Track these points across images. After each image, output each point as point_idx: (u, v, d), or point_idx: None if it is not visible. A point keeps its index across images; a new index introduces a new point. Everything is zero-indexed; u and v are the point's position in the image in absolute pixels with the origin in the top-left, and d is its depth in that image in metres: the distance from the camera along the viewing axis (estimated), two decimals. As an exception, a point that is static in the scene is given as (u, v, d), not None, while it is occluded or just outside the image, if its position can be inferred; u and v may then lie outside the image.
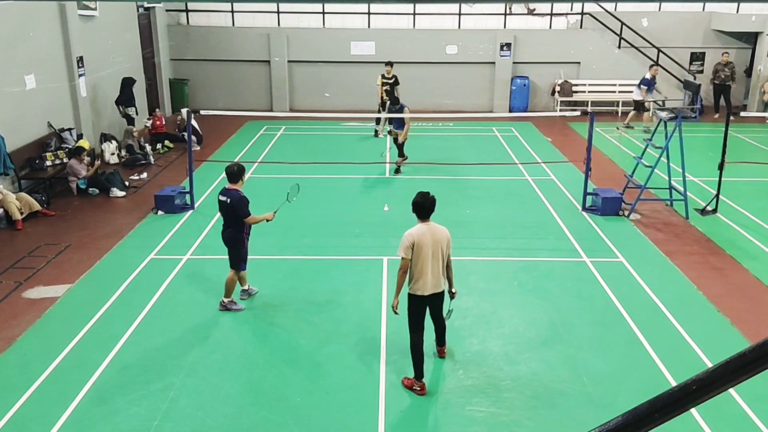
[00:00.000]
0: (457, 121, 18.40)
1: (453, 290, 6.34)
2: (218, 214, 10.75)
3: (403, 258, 5.95)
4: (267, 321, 7.48)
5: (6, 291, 8.11)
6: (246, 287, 7.95)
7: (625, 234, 10.05)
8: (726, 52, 19.21)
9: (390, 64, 16.30)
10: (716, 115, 18.48)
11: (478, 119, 18.15)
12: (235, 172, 7.46)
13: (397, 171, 13.25)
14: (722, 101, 18.75)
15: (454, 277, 6.30)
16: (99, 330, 7.17)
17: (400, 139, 13.18)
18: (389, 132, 13.93)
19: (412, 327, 6.13)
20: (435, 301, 6.16)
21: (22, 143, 11.68)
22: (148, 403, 5.89)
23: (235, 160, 14.01)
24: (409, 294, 6.05)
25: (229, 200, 7.36)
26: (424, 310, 6.13)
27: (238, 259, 7.57)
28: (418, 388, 6.10)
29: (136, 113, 15.00)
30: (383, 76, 16.26)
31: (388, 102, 14.96)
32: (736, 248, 9.49)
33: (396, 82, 16.22)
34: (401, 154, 13.29)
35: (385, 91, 16.02)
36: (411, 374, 6.19)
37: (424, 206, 6.02)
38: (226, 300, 7.64)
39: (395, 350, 6.81)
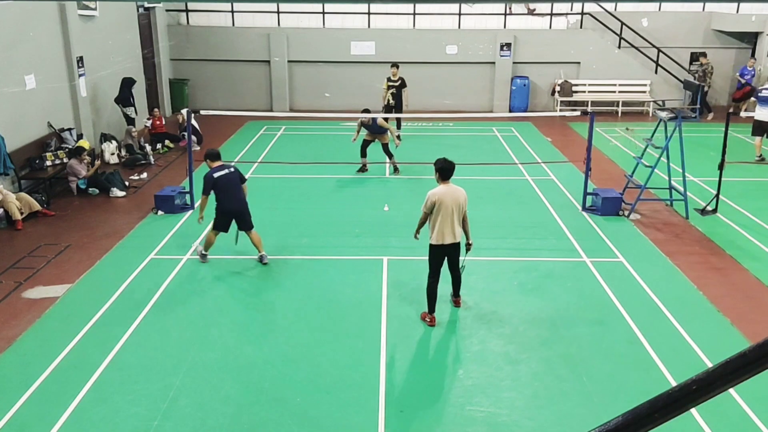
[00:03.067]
0: (457, 121, 18.41)
1: (470, 241, 7.37)
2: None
3: (424, 212, 7.14)
4: (267, 321, 7.48)
5: (6, 291, 8.11)
6: (263, 252, 8.81)
7: (625, 234, 10.05)
8: (704, 53, 19.21)
9: (396, 65, 15.45)
10: (710, 116, 18.47)
11: (478, 119, 18.15)
12: (216, 152, 8.85)
13: (396, 170, 13.21)
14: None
15: (470, 232, 7.36)
16: (99, 330, 7.16)
17: (386, 140, 13.00)
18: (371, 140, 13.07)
19: (431, 273, 7.24)
20: (453, 251, 7.21)
21: (22, 143, 11.68)
22: (148, 403, 5.89)
23: (236, 159, 14.02)
24: (431, 245, 7.15)
25: (233, 169, 8.58)
26: (443, 259, 7.20)
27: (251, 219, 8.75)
28: (429, 320, 7.28)
29: (135, 113, 14.98)
30: (389, 79, 15.30)
31: (394, 106, 14.55)
32: (736, 248, 9.49)
33: (403, 85, 15.23)
34: (390, 154, 13.08)
35: (392, 94, 15.18)
36: (410, 375, 6.21)
37: (447, 169, 7.10)
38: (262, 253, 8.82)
39: (395, 350, 6.82)
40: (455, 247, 7.18)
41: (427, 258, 7.26)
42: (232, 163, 8.30)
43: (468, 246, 7.37)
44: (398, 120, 15.17)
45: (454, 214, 6.99)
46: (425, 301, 7.38)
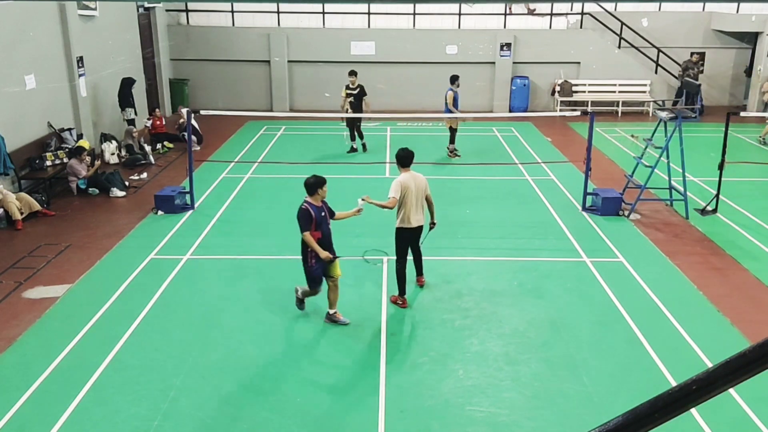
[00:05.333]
0: (462, 121, 18.37)
1: (434, 221, 7.90)
2: (218, 216, 10.86)
3: (392, 198, 7.45)
4: (267, 321, 7.47)
5: (6, 291, 8.11)
6: (333, 311, 7.30)
7: (625, 234, 10.05)
8: (694, 53, 19.22)
9: (353, 73, 14.71)
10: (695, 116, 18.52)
11: (478, 119, 18.15)
12: (311, 184, 7.03)
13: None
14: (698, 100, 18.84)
15: (435, 211, 7.87)
16: (99, 330, 7.16)
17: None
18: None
19: (399, 256, 7.73)
20: (417, 232, 7.76)
21: (22, 143, 11.68)
22: (148, 403, 5.89)
23: (236, 160, 14.03)
24: (398, 228, 7.65)
25: (327, 210, 7.17)
26: (409, 241, 7.72)
27: (306, 275, 7.09)
28: (401, 302, 7.70)
29: (135, 113, 14.97)
30: (347, 87, 14.64)
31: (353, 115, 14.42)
32: (736, 248, 9.49)
33: (362, 93, 14.58)
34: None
35: (350, 103, 14.51)
36: (409, 369, 6.22)
37: (406, 156, 7.64)
38: (331, 311, 7.29)
39: (395, 350, 6.82)
40: (419, 229, 7.72)
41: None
42: (306, 203, 7.04)
43: (432, 225, 7.87)
44: (359, 129, 14.90)
45: (418, 199, 7.55)
46: (426, 299, 7.47)
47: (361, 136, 15.02)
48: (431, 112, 18.50)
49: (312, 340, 7.02)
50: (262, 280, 8.46)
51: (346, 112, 14.62)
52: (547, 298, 7.99)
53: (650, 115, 19.42)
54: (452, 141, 14.63)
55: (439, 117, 14.36)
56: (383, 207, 7.49)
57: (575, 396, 6.07)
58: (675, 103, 18.48)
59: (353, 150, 14.96)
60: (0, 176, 10.81)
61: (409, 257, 7.93)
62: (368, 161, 13.47)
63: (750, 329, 7.20)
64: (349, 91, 14.64)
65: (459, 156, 14.51)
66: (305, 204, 6.96)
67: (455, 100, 14.22)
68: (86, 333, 7.08)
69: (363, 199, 7.41)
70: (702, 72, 18.99)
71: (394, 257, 7.84)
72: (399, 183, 7.46)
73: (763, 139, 15.85)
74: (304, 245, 6.96)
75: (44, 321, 7.38)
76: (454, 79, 14.19)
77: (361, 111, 14.49)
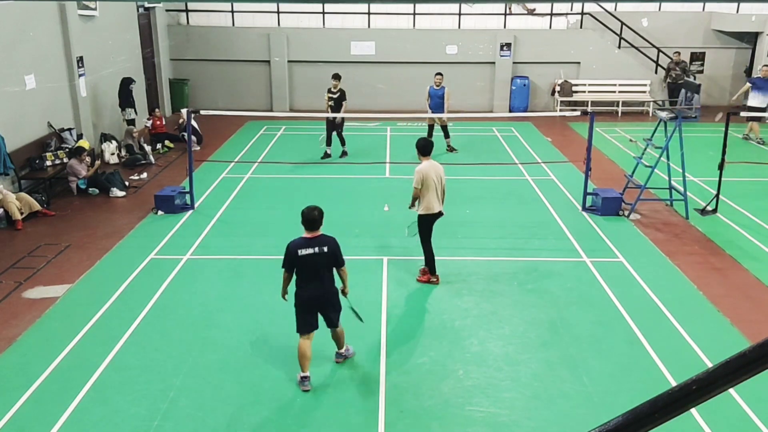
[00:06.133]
0: (457, 121, 18.39)
1: (442, 211, 8.17)
2: (218, 216, 10.85)
3: (416, 188, 7.91)
4: (267, 321, 7.47)
5: (6, 291, 8.11)
6: (343, 349, 6.63)
7: (625, 234, 10.05)
8: (677, 52, 19.23)
9: (337, 77, 14.24)
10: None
11: (478, 119, 18.15)
12: (318, 217, 6.13)
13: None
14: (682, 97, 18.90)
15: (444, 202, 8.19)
16: (99, 330, 7.16)
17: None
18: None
19: (425, 240, 8.09)
20: (439, 217, 8.08)
21: (22, 143, 11.68)
22: (148, 403, 5.89)
23: (236, 160, 14.02)
24: (422, 215, 8.02)
25: (327, 248, 6.03)
26: (432, 225, 8.09)
27: (341, 310, 6.42)
28: (435, 280, 8.21)
29: (135, 113, 14.96)
30: (329, 91, 14.28)
31: (333, 119, 14.05)
32: (736, 248, 9.49)
33: (342, 97, 14.19)
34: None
35: (330, 107, 14.18)
36: (409, 369, 6.24)
37: (426, 146, 8.06)
38: (342, 350, 6.60)
39: (395, 350, 6.82)
40: (441, 214, 8.09)
41: (418, 231, 8.14)
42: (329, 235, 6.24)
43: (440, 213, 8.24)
44: (341, 134, 14.43)
45: (438, 185, 7.90)
46: (425, 300, 7.51)
47: (343, 142, 14.52)
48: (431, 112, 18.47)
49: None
50: (262, 280, 8.45)
51: (331, 118, 14.18)
52: (547, 298, 7.99)
53: (650, 115, 19.41)
54: (446, 135, 14.97)
55: (439, 117, 14.33)
56: (413, 200, 8.06)
57: (575, 396, 6.08)
58: (672, 104, 18.58)
59: (327, 156, 14.36)
60: (0, 176, 10.81)
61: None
62: (368, 161, 13.46)
63: (750, 329, 7.20)
64: (330, 95, 14.28)
65: (456, 150, 14.95)
66: (330, 237, 6.23)
67: (429, 96, 14.80)
68: (86, 333, 7.08)
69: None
70: (685, 72, 19.02)
71: (394, 257, 7.89)
72: (419, 172, 7.84)
73: (747, 135, 16.05)
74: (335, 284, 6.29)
75: (44, 321, 7.38)
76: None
77: (340, 119, 14.14)
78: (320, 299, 6.16)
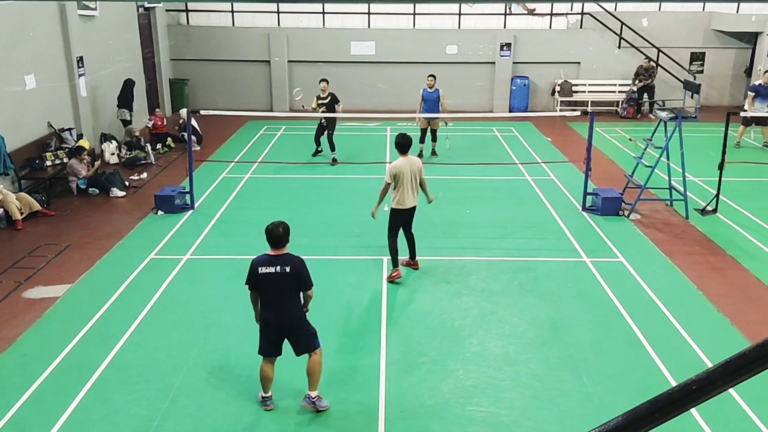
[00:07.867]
0: (457, 121, 18.39)
1: (430, 198, 8.45)
2: (218, 216, 10.85)
3: (387, 182, 8.06)
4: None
5: (6, 291, 8.11)
6: (315, 393, 5.83)
7: (625, 234, 10.05)
8: (648, 59, 19.27)
9: (325, 80, 13.73)
10: (638, 116, 19.16)
11: (478, 119, 18.15)
12: (282, 235, 5.53)
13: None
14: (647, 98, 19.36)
15: (429, 190, 8.39)
16: (99, 330, 7.16)
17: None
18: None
19: (391, 233, 8.30)
20: (411, 213, 8.33)
21: (22, 143, 11.68)
22: (148, 403, 5.89)
23: (236, 160, 14.02)
24: (393, 209, 8.22)
25: (289, 268, 5.49)
26: (401, 222, 8.31)
27: (315, 336, 5.81)
28: (395, 274, 8.28)
29: (131, 115, 14.93)
30: (318, 97, 13.66)
31: (326, 126, 13.75)
32: (736, 248, 9.49)
33: (334, 101, 13.60)
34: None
35: (322, 113, 13.61)
36: (409, 369, 6.22)
37: (404, 143, 8.15)
38: (313, 394, 5.83)
39: (395, 350, 6.82)
40: (413, 210, 8.31)
41: (387, 223, 8.30)
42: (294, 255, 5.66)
43: (430, 200, 8.48)
44: (331, 140, 13.92)
45: (412, 181, 8.09)
46: (425, 300, 7.52)
47: (333, 148, 13.83)
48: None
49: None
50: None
51: (320, 121, 13.88)
52: (547, 298, 7.99)
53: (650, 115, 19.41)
54: (434, 139, 14.54)
55: (438, 117, 14.32)
56: (381, 195, 8.18)
57: (575, 396, 6.08)
58: (640, 104, 19.20)
59: (318, 152, 14.32)
60: (0, 176, 10.81)
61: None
62: (368, 161, 13.46)
63: (749, 329, 7.20)
64: (320, 101, 13.58)
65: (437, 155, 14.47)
66: (295, 256, 5.67)
67: (423, 100, 14.17)
68: (86, 333, 7.08)
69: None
70: (652, 78, 19.19)
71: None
72: (392, 167, 8.05)
73: (739, 143, 15.76)
74: (303, 307, 5.80)
75: (44, 321, 7.38)
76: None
77: (333, 121, 13.79)
78: (283, 328, 5.65)
